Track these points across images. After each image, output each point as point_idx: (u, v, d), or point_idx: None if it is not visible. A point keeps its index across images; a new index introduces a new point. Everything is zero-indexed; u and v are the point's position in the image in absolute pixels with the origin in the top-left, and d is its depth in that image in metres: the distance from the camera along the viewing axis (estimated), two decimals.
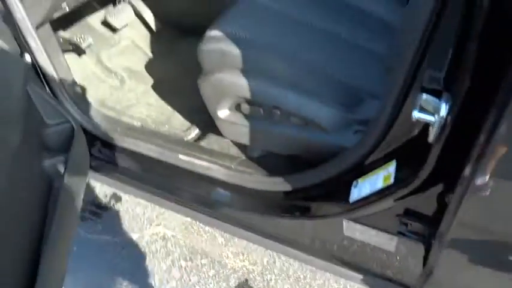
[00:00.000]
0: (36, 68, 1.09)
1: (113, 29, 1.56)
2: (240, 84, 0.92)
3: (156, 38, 1.64)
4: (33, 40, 1.04)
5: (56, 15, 1.11)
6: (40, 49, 1.06)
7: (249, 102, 0.95)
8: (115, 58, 1.52)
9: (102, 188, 1.64)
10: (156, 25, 1.65)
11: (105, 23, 1.55)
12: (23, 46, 1.05)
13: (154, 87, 1.45)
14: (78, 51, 1.41)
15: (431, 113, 0.58)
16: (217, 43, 0.94)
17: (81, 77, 1.40)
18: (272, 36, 0.95)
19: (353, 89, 0.89)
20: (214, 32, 0.96)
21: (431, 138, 0.59)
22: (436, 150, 0.59)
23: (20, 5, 0.97)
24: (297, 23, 1.00)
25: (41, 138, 0.93)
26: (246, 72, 0.92)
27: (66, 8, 1.11)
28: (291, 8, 1.04)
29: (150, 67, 1.54)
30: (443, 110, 0.55)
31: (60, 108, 0.97)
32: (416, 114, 0.58)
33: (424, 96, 0.59)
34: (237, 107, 0.98)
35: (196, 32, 1.63)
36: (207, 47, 0.96)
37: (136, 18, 1.62)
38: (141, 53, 1.58)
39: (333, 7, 1.08)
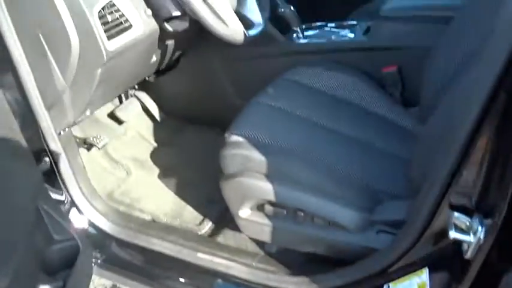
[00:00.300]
0: (53, 170, 1.10)
1: (119, 121, 1.61)
2: (264, 187, 0.96)
3: (160, 127, 1.69)
4: (55, 145, 1.06)
5: (78, 120, 1.15)
6: (60, 152, 1.08)
7: (272, 203, 0.99)
8: (121, 149, 1.55)
9: (101, 280, 1.58)
10: (161, 115, 1.72)
11: (111, 115, 1.60)
12: (43, 150, 1.07)
13: (162, 178, 1.47)
14: (88, 147, 1.44)
15: (467, 232, 0.62)
16: (239, 149, 0.99)
17: (89, 171, 1.41)
18: (291, 139, 1.01)
19: (372, 190, 0.95)
20: (234, 138, 1.02)
21: (468, 255, 0.63)
22: (474, 267, 0.63)
23: (46, 114, 1.00)
24: (314, 125, 1.07)
25: (41, 258, 0.90)
26: (269, 176, 0.96)
27: (88, 113, 1.15)
28: (306, 110, 1.13)
29: (156, 157, 1.57)
30: (480, 231, 0.60)
31: (68, 226, 0.97)
32: (452, 234, 0.63)
33: (456, 214, 0.63)
34: (260, 208, 1.01)
35: (200, 121, 1.72)
36: (229, 152, 1.01)
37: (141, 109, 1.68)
38: (146, 143, 1.62)
39: (347, 110, 1.17)
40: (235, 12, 1.08)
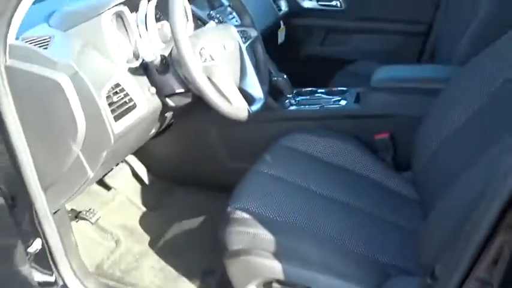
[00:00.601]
0: (44, 251, 1.04)
1: (107, 186, 1.56)
2: (272, 266, 0.94)
3: (150, 191, 1.65)
4: (49, 225, 1.01)
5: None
6: (54, 233, 1.03)
7: (280, 282, 0.96)
8: (110, 216, 1.49)
9: None
10: (150, 178, 1.68)
11: (100, 181, 1.56)
12: (35, 232, 1.02)
13: (153, 247, 1.42)
14: (78, 218, 1.38)
15: None
16: (244, 226, 0.97)
17: (78, 243, 1.34)
18: (295, 212, 1.01)
19: (380, 264, 0.94)
20: (238, 213, 1.00)
21: None
22: None
23: (43, 195, 0.96)
24: (314, 195, 1.08)
25: None
26: (276, 254, 0.94)
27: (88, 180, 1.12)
28: (304, 178, 1.14)
29: (146, 223, 1.52)
30: None
31: None
32: None
33: None
34: (267, 285, 0.99)
35: (190, 182, 1.70)
36: (235, 229, 0.99)
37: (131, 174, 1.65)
38: (135, 208, 1.57)
39: (344, 176, 1.18)
40: (237, 87, 1.10)
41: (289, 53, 2.12)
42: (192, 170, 1.67)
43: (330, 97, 1.44)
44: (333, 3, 2.02)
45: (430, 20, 1.91)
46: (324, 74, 1.95)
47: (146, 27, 1.11)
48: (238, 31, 1.13)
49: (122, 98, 0.96)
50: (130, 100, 0.98)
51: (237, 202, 1.05)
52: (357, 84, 1.66)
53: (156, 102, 1.05)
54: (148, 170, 1.68)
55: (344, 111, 1.36)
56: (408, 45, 1.99)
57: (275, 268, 0.94)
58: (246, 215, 0.99)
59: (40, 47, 0.87)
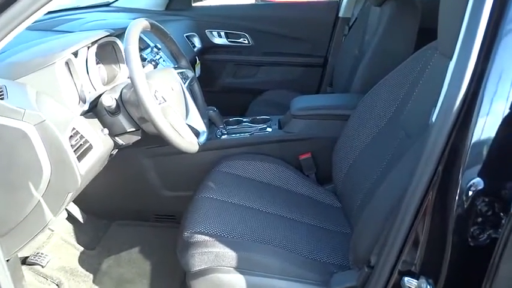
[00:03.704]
0: None
1: None
2: (236, 279, 1.06)
3: (84, 229, 1.63)
4: (3, 273, 0.99)
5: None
6: (7, 281, 1.00)
7: None
8: (48, 260, 1.44)
9: None
10: (83, 216, 1.66)
11: None
12: None
13: (100, 285, 1.42)
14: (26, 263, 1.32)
15: None
16: (204, 247, 1.07)
17: None
18: (246, 229, 1.15)
19: (323, 264, 1.13)
20: (196, 237, 1.10)
21: None
22: None
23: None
24: (258, 212, 1.24)
25: None
26: (237, 268, 1.07)
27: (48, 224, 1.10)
28: (246, 199, 1.29)
29: (87, 263, 1.50)
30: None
31: None
32: None
33: (406, 278, 0.85)
34: None
35: (126, 216, 1.71)
36: (196, 251, 1.08)
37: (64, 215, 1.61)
38: (73, 249, 1.54)
39: (279, 193, 1.36)
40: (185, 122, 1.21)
41: (206, 86, 2.27)
42: (128, 203, 1.70)
43: (256, 125, 1.63)
44: (241, 40, 2.25)
45: (325, 54, 2.25)
46: (240, 103, 2.15)
47: (87, 71, 1.16)
48: (177, 73, 1.25)
49: (79, 141, 0.99)
50: (86, 142, 1.02)
51: (192, 227, 1.14)
52: (271, 110, 1.89)
53: (109, 142, 1.11)
54: (81, 209, 1.65)
55: (271, 137, 1.55)
56: (309, 75, 2.31)
57: (240, 280, 1.06)
58: (204, 237, 1.10)
59: None
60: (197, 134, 1.25)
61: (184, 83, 1.26)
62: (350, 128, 1.36)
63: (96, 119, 1.09)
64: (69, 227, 1.61)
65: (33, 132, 0.86)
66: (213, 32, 2.24)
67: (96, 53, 1.23)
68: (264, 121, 1.66)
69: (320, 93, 2.27)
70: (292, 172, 1.47)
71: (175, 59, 1.37)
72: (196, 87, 1.36)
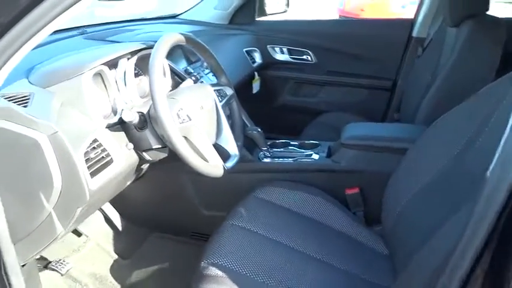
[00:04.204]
0: None
1: (78, 233, 1.53)
2: None
3: (121, 237, 1.63)
4: (16, 277, 0.98)
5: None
6: (21, 286, 1.00)
7: None
8: (79, 265, 1.45)
9: None
10: (123, 224, 1.66)
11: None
12: (2, 284, 0.98)
13: None
14: (48, 268, 1.34)
15: None
16: (218, 284, 0.98)
17: None
18: (270, 270, 1.03)
19: None
20: (213, 270, 1.01)
21: None
22: None
23: (12, 247, 0.94)
24: (288, 250, 1.11)
25: None
26: None
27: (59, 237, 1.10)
28: (278, 231, 1.17)
29: (117, 272, 1.49)
30: None
31: None
32: None
33: None
34: None
35: (163, 229, 1.69)
36: (207, 287, 0.99)
37: (103, 220, 1.62)
38: (107, 256, 1.54)
39: (316, 229, 1.22)
40: (213, 144, 1.14)
41: (263, 103, 2.21)
42: (166, 216, 1.67)
43: (303, 150, 1.50)
44: (304, 57, 2.14)
45: (394, 77, 2.05)
46: (297, 123, 2.04)
47: (125, 83, 1.14)
48: (214, 90, 1.18)
49: (100, 154, 0.97)
50: (108, 155, 0.99)
51: (210, 257, 1.06)
52: (328, 134, 1.75)
53: (133, 157, 1.07)
54: (122, 216, 1.66)
55: (316, 165, 1.42)
56: (374, 98, 2.12)
57: None
58: (219, 272, 1.00)
59: (20, 104, 0.88)
60: (228, 156, 1.16)
61: (221, 101, 1.19)
62: (408, 163, 1.18)
63: (123, 133, 1.06)
64: (108, 233, 1.62)
65: (45, 143, 0.85)
66: (275, 48, 2.16)
67: (138, 64, 1.21)
68: (313, 146, 1.52)
69: (386, 119, 2.07)
70: (336, 207, 1.32)
71: (214, 75, 1.30)
72: (235, 106, 1.28)
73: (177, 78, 1.34)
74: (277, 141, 1.59)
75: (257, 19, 2.21)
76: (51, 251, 1.40)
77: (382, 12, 6.71)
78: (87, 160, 0.94)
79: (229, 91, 1.25)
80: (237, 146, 1.19)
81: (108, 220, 1.63)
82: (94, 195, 0.93)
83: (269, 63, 2.17)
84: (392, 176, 1.22)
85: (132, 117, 0.97)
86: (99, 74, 1.05)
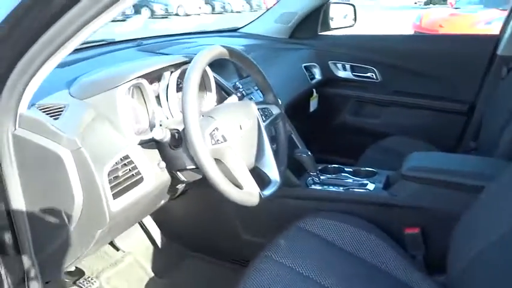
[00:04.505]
0: None
1: (117, 246, 1.50)
2: None
3: (160, 255, 1.58)
4: None
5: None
6: None
7: None
8: (115, 280, 1.42)
9: None
10: (162, 241, 1.61)
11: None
12: None
13: None
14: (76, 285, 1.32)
15: None
16: None
17: None
18: None
19: None
20: None
21: None
22: None
23: (36, 263, 0.91)
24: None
25: None
26: None
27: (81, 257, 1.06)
28: (317, 270, 1.03)
29: None
30: None
31: None
32: None
33: None
34: None
35: (203, 250, 1.62)
36: None
37: (143, 233, 1.59)
38: (143, 272, 1.50)
39: (363, 271, 1.06)
40: (252, 167, 1.03)
41: (320, 122, 2.07)
42: (206, 237, 1.60)
43: (357, 179, 1.34)
44: (368, 74, 1.97)
45: (473, 100, 1.81)
46: (356, 146, 1.87)
47: (167, 97, 1.09)
48: (259, 108, 1.08)
49: (129, 171, 0.91)
50: (138, 173, 0.93)
51: None
52: (388, 161, 1.57)
53: (165, 176, 1.00)
54: (162, 232, 1.61)
55: (371, 197, 1.25)
56: (447, 123, 1.89)
57: None
58: None
59: (52, 116, 0.86)
60: (268, 182, 1.05)
61: (265, 121, 1.08)
62: (484, 204, 0.98)
63: (157, 150, 1.00)
64: (147, 249, 1.58)
65: (68, 158, 0.80)
66: (337, 64, 2.02)
67: (182, 78, 1.16)
68: (369, 174, 1.36)
69: (460, 149, 1.82)
70: (391, 247, 1.14)
71: (261, 92, 1.20)
72: (281, 127, 1.17)
73: (224, 94, 1.27)
74: (330, 166, 1.44)
75: (320, 33, 2.09)
76: (88, 263, 1.39)
77: (463, 29, 6.24)
78: (115, 178, 0.88)
79: (276, 110, 1.14)
80: (279, 171, 1.07)
81: (148, 235, 1.59)
82: (116, 217, 0.87)
83: (329, 80, 2.03)
84: (464, 216, 1.02)
85: (162, 135, 0.90)
86: (138, 87, 1.01)
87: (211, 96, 1.19)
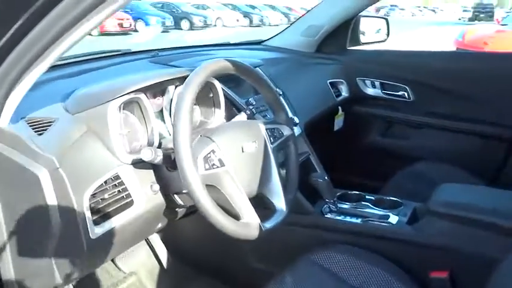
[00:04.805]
0: None
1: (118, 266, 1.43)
2: None
3: (167, 276, 1.50)
4: None
5: None
6: None
7: None
8: None
9: None
10: (168, 261, 1.53)
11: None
12: None
13: None
14: None
15: None
16: None
17: None
18: None
19: None
20: None
21: None
22: None
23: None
24: None
25: None
26: None
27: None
28: None
29: None
30: None
31: None
32: None
33: None
34: None
35: (210, 273, 1.52)
36: None
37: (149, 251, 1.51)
38: None
39: None
40: (254, 194, 0.93)
41: (345, 141, 1.93)
42: (214, 260, 1.50)
43: (379, 209, 1.20)
44: (400, 93, 1.82)
45: None
46: (382, 170, 1.72)
47: (170, 113, 1.01)
48: (268, 128, 0.98)
49: (119, 193, 0.84)
50: (128, 196, 0.86)
51: None
52: (418, 190, 1.42)
53: (158, 200, 0.91)
54: (169, 252, 1.53)
55: (393, 232, 1.11)
56: (488, 150, 1.70)
57: None
58: None
59: (38, 131, 0.80)
60: (271, 212, 0.94)
61: (273, 143, 0.97)
62: None
63: (152, 171, 0.91)
64: (152, 269, 1.50)
65: (46, 179, 0.73)
66: (366, 81, 1.89)
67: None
68: (393, 205, 1.22)
69: (500, 180, 1.63)
70: None
71: (271, 110, 1.10)
72: (292, 150, 1.05)
73: (235, 111, 1.18)
74: (350, 192, 1.31)
75: (348, 48, 1.97)
76: (85, 283, 1.32)
77: (510, 47, 5.88)
78: (102, 200, 0.81)
79: (287, 131, 1.04)
80: (287, 200, 0.96)
81: (154, 254, 1.51)
82: (97, 245, 0.79)
83: (356, 97, 1.90)
84: (503, 265, 0.87)
85: (151, 156, 0.81)
86: (136, 102, 0.93)
87: (220, 113, 1.10)
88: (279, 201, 0.95)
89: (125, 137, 0.88)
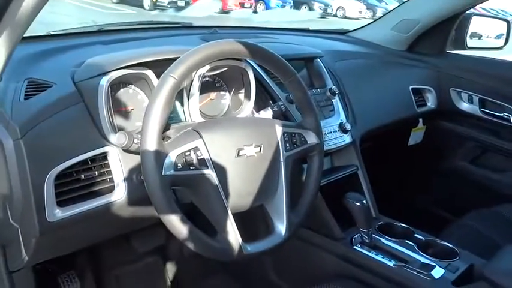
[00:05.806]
0: None
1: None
2: None
3: (185, 263, 1.43)
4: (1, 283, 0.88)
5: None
6: None
7: None
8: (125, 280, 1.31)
9: None
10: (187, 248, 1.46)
11: None
12: None
13: None
14: None
15: None
16: None
17: None
18: None
19: None
20: None
21: None
22: None
23: None
24: None
25: None
26: None
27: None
28: None
29: None
30: None
31: None
32: None
33: None
34: None
35: (227, 271, 1.42)
36: None
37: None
38: (161, 281, 1.37)
39: None
40: (246, 208, 0.77)
41: (419, 160, 1.64)
42: (233, 268, 1.39)
43: (425, 255, 0.96)
44: (502, 114, 1.46)
45: None
46: (458, 203, 1.42)
47: (188, 97, 0.90)
48: (286, 132, 0.80)
49: (100, 176, 0.76)
50: (111, 180, 0.77)
51: None
52: (493, 239, 1.12)
53: (141, 192, 0.81)
54: None
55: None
56: None
57: None
58: None
59: (27, 95, 0.76)
60: (268, 231, 0.78)
61: (288, 150, 0.80)
62: None
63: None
64: (172, 254, 1.43)
65: (9, 147, 0.69)
66: (462, 93, 1.55)
67: (222, 76, 0.96)
68: (445, 254, 0.96)
69: None
70: None
71: (298, 111, 0.92)
72: (315, 163, 0.85)
73: (271, 103, 1.02)
74: (396, 223, 1.08)
75: (448, 51, 1.64)
76: (104, 258, 1.29)
77: None
78: (76, 181, 0.73)
79: (313, 139, 0.85)
80: (289, 223, 0.78)
81: (174, 239, 1.45)
82: (58, 228, 0.72)
83: (445, 111, 1.58)
84: None
85: (123, 141, 0.71)
86: (143, 79, 0.84)
87: (249, 104, 0.96)
88: (280, 222, 0.78)
89: (116, 115, 0.80)
